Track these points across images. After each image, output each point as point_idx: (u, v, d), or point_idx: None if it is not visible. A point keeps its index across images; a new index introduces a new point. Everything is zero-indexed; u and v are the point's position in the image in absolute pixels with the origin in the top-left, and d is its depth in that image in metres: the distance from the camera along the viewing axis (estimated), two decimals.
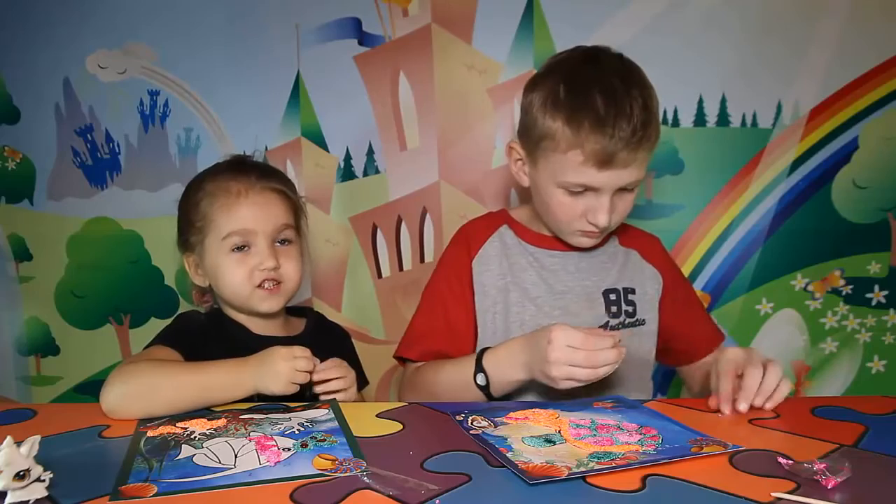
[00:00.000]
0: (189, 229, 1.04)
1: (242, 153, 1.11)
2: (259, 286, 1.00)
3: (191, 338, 0.97)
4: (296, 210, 1.06)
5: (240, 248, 1.00)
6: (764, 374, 0.84)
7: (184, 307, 1.41)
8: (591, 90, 0.93)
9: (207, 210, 1.01)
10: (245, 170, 1.03)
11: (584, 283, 1.06)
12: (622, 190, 0.98)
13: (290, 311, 1.11)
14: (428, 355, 1.06)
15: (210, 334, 1.01)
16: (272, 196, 1.02)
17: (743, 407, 0.83)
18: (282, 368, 0.86)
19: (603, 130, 0.91)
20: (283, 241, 1.03)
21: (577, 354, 0.83)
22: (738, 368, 0.86)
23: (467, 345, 1.06)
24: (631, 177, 0.96)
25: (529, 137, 1.00)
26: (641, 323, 1.07)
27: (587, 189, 0.97)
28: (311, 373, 0.90)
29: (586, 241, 1.04)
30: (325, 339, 1.11)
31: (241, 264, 1.00)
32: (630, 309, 1.06)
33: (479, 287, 1.07)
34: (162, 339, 0.97)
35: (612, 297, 1.06)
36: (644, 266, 1.10)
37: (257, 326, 1.04)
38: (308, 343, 0.93)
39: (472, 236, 1.10)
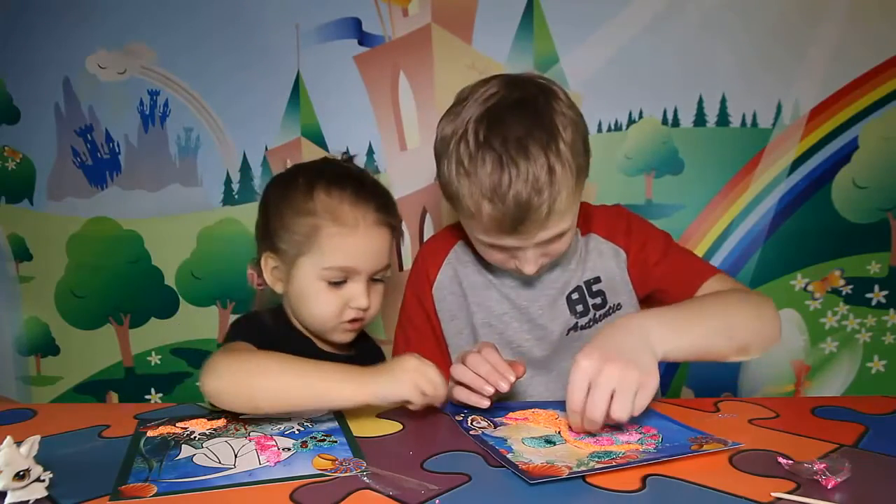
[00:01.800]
0: (283, 235, 0.95)
1: (346, 156, 1.05)
2: (347, 321, 0.97)
3: (262, 338, 0.91)
4: (397, 243, 1.03)
5: (337, 282, 0.95)
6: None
7: (184, 307, 1.41)
8: (484, 156, 0.85)
9: (315, 231, 0.93)
10: (365, 197, 0.96)
11: (547, 293, 1.01)
12: (550, 240, 0.91)
13: None
14: None
15: (277, 341, 0.91)
16: (384, 232, 0.97)
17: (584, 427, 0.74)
18: (411, 367, 0.81)
19: (496, 202, 0.85)
20: (377, 280, 0.99)
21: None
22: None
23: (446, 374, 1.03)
24: (550, 233, 0.89)
25: (443, 187, 0.94)
26: (617, 308, 1.01)
27: (504, 248, 0.92)
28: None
29: (528, 278, 0.99)
30: (367, 353, 1.08)
31: (334, 297, 0.95)
32: (598, 300, 1.01)
33: (443, 314, 1.06)
34: (242, 336, 0.91)
35: (575, 296, 1.01)
36: (604, 247, 1.02)
37: (321, 342, 1.02)
38: (360, 360, 0.91)
39: (428, 262, 1.08)
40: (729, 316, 0.86)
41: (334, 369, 0.83)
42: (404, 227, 1.39)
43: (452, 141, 0.90)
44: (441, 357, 1.06)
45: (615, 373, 0.70)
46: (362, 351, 1.07)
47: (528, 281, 1.01)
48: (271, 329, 0.98)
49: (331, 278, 0.94)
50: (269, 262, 0.99)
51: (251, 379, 0.80)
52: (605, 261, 1.02)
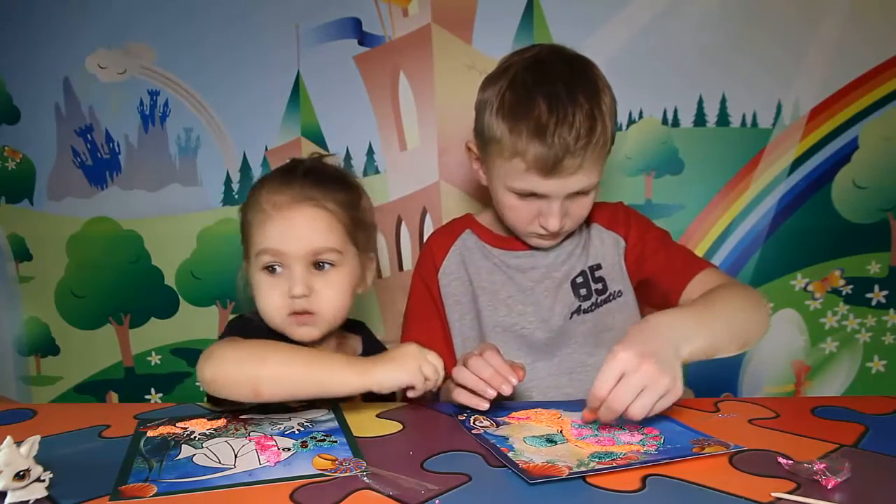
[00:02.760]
0: (242, 237, 0.98)
1: (317, 155, 1.05)
2: (293, 313, 0.92)
3: (254, 335, 0.90)
4: (349, 228, 0.95)
5: (271, 269, 0.92)
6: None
7: (184, 307, 1.41)
8: (534, 97, 0.92)
9: (248, 220, 0.95)
10: (291, 179, 0.94)
11: (553, 276, 1.05)
12: (575, 194, 0.96)
13: (344, 325, 1.02)
14: None
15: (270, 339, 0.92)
16: (313, 213, 0.92)
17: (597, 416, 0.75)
18: (413, 353, 0.82)
19: (543, 139, 0.90)
20: (322, 265, 0.93)
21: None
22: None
23: (449, 358, 1.04)
24: (580, 183, 0.94)
25: (482, 139, 1.00)
26: (618, 295, 1.05)
27: (536, 195, 0.96)
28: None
29: (544, 243, 1.03)
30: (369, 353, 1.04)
31: (274, 287, 0.92)
32: (599, 286, 1.04)
33: (447, 299, 1.08)
34: (237, 334, 0.90)
35: (580, 280, 1.05)
36: (605, 235, 1.07)
37: (311, 346, 0.96)
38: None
39: (435, 249, 1.11)
40: (732, 313, 0.88)
41: (336, 357, 0.84)
42: (404, 227, 1.39)
43: (499, 87, 0.95)
44: (445, 342, 1.07)
45: (650, 372, 0.71)
46: (371, 352, 1.02)
47: (534, 258, 1.05)
48: (264, 331, 0.95)
49: (264, 264, 0.92)
50: (243, 272, 1.00)
51: (252, 365, 0.80)
52: (605, 248, 1.06)
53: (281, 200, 0.92)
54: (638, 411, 0.71)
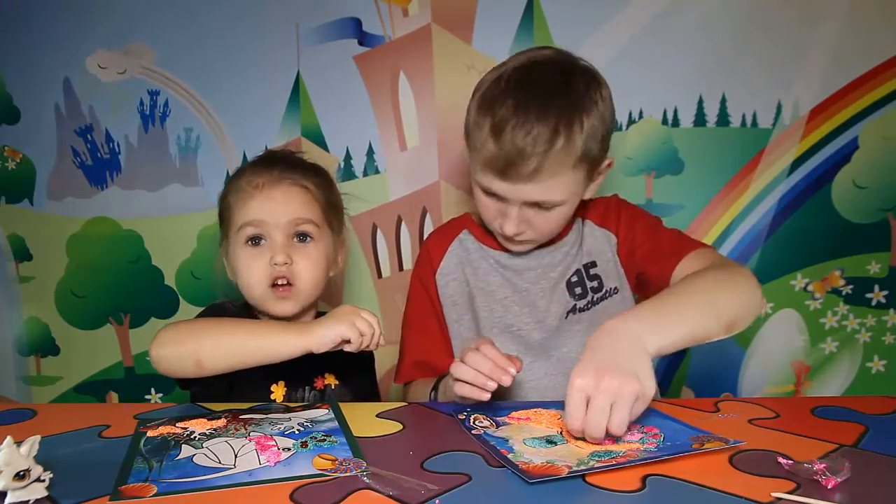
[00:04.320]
0: (221, 224, 1.05)
1: (289, 151, 1.11)
2: (273, 286, 0.97)
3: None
4: (325, 208, 1.03)
5: (254, 242, 0.99)
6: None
7: (184, 307, 1.41)
8: (506, 97, 0.92)
9: (229, 202, 1.01)
10: (270, 164, 1.03)
11: (549, 276, 1.05)
12: (537, 206, 0.95)
13: (318, 315, 1.06)
14: (426, 372, 1.07)
15: None
16: (293, 190, 1.00)
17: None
18: (347, 310, 0.86)
19: (497, 139, 0.90)
20: (301, 237, 1.00)
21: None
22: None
23: (448, 360, 1.02)
24: (537, 193, 0.93)
25: (465, 125, 1.01)
26: (614, 292, 1.04)
27: (496, 195, 0.96)
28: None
29: (511, 246, 1.03)
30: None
31: (256, 258, 0.98)
32: (595, 284, 1.04)
33: (445, 300, 1.08)
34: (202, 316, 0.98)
35: (575, 279, 1.04)
36: (597, 233, 1.07)
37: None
38: (339, 353, 0.90)
39: (432, 250, 1.11)
40: (711, 296, 0.84)
41: (274, 323, 0.89)
42: (404, 227, 1.39)
43: (490, 79, 0.96)
44: (444, 343, 1.08)
45: (612, 387, 0.69)
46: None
47: (518, 259, 1.05)
48: (235, 314, 1.01)
49: (246, 236, 0.98)
50: (220, 257, 1.06)
51: (193, 339, 0.84)
52: (599, 245, 1.06)
53: (261, 181, 0.99)
54: (616, 428, 0.70)
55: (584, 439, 0.73)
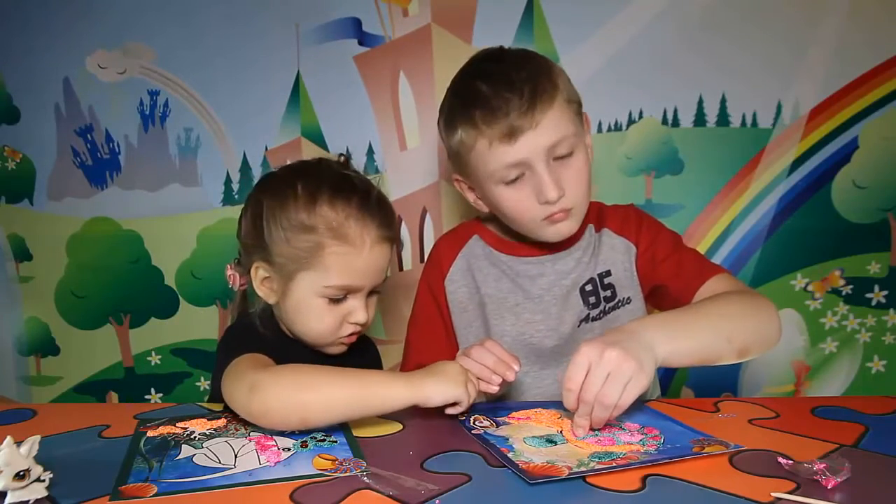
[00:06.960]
0: (281, 248, 0.91)
1: (340, 158, 1.01)
2: (341, 338, 0.95)
3: (260, 347, 0.87)
4: (398, 251, 1.03)
5: (336, 300, 0.93)
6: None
7: (183, 307, 1.41)
8: (471, 86, 0.95)
9: (318, 248, 0.89)
10: (371, 212, 0.92)
11: (562, 283, 1.03)
12: (558, 158, 0.94)
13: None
14: None
15: (274, 350, 0.88)
16: (386, 249, 0.94)
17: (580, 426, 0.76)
18: (458, 371, 0.82)
19: (488, 106, 0.91)
20: (374, 292, 0.97)
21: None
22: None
23: None
24: (550, 136, 0.91)
25: (456, 161, 1.00)
26: (627, 302, 1.04)
27: (518, 168, 0.93)
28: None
29: (561, 228, 0.98)
30: (360, 350, 1.05)
31: (333, 313, 0.93)
32: (608, 293, 1.03)
33: (454, 306, 1.07)
34: (245, 346, 0.86)
35: (589, 287, 1.03)
36: (615, 241, 1.05)
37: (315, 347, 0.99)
38: (351, 358, 0.89)
39: (442, 256, 1.10)
40: (727, 319, 0.87)
41: (380, 375, 0.85)
42: (404, 227, 1.39)
43: (443, 105, 0.99)
44: (450, 349, 1.07)
45: (612, 357, 0.73)
46: (356, 346, 1.03)
47: (540, 268, 1.04)
48: (266, 338, 0.94)
49: (332, 296, 0.92)
50: (259, 272, 0.94)
51: (300, 394, 0.76)
52: (616, 255, 1.05)
53: (365, 236, 0.91)
54: (607, 398, 0.73)
55: (585, 437, 0.74)
